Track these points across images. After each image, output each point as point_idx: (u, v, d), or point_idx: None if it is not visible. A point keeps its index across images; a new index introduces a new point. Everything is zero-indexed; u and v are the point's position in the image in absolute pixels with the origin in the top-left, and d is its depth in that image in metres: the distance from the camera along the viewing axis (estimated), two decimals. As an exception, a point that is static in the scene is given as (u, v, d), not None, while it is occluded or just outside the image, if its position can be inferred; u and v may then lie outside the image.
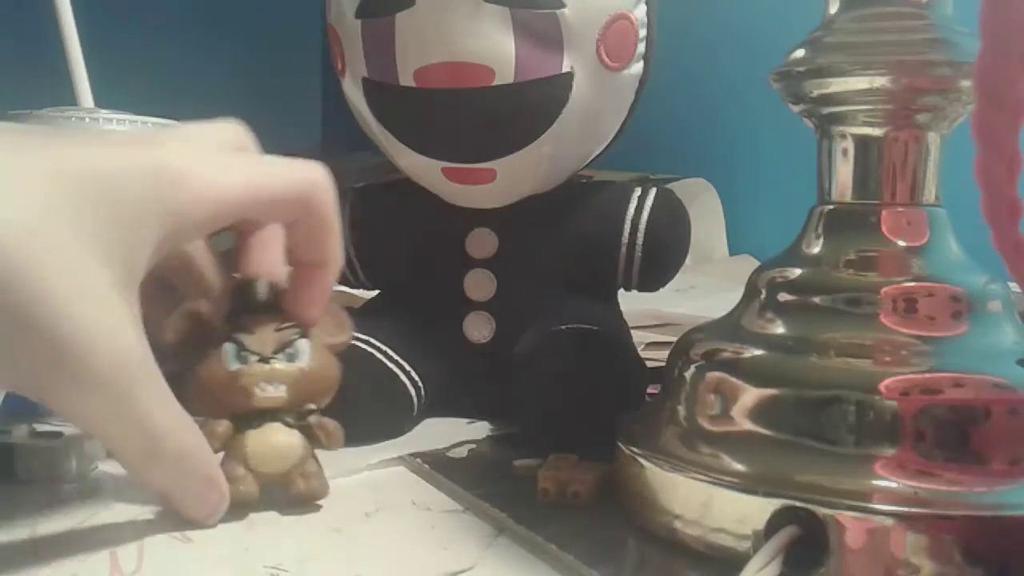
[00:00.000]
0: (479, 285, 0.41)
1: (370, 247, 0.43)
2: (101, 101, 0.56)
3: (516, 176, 0.39)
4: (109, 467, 0.33)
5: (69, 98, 0.55)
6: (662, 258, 0.41)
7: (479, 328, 0.41)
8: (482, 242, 0.41)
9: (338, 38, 0.40)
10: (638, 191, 0.41)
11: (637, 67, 0.40)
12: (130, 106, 0.55)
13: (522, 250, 0.41)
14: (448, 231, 0.41)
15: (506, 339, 0.39)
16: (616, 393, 0.35)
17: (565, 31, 0.37)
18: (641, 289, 0.42)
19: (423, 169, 0.40)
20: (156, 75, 0.84)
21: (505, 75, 0.36)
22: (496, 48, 0.36)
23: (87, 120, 0.52)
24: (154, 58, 0.91)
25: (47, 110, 0.54)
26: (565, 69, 0.37)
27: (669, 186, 0.70)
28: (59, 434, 0.32)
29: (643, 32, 0.39)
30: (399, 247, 0.43)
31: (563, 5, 0.36)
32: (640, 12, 0.39)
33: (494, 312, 0.40)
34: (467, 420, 0.40)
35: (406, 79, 0.37)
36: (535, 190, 0.41)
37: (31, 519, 0.28)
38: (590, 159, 0.42)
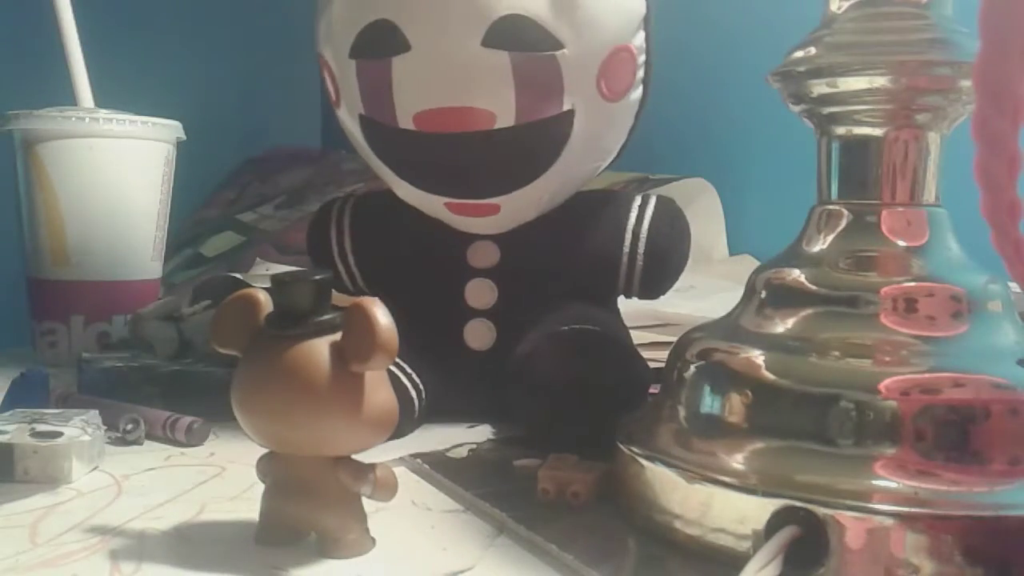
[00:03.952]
0: (480, 294, 0.40)
1: (369, 254, 0.43)
2: (101, 101, 0.56)
3: (520, 208, 0.39)
4: (109, 467, 0.34)
5: (69, 98, 0.55)
6: (663, 267, 0.41)
7: (480, 336, 0.40)
8: (484, 253, 0.41)
9: (331, 71, 0.40)
10: (638, 200, 0.41)
11: (637, 93, 0.40)
12: (130, 106, 0.55)
13: (524, 260, 0.41)
14: (449, 241, 0.41)
15: (507, 347, 0.39)
16: (620, 393, 0.35)
17: (565, 71, 0.36)
18: (642, 297, 0.42)
19: (424, 200, 0.40)
20: (156, 75, 0.84)
21: (506, 118, 0.36)
22: (496, 92, 0.36)
23: (87, 120, 0.52)
24: (154, 58, 0.90)
25: (47, 110, 0.54)
26: (566, 108, 0.37)
27: (669, 186, 0.70)
28: (59, 434, 0.32)
29: (642, 58, 0.39)
30: (399, 255, 0.43)
31: (562, 46, 0.36)
32: (639, 40, 0.39)
33: (495, 320, 0.40)
34: (467, 425, 0.40)
35: (405, 122, 0.37)
36: (539, 214, 0.40)
37: (31, 519, 0.28)
38: (592, 177, 0.42)
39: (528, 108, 0.36)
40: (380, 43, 0.36)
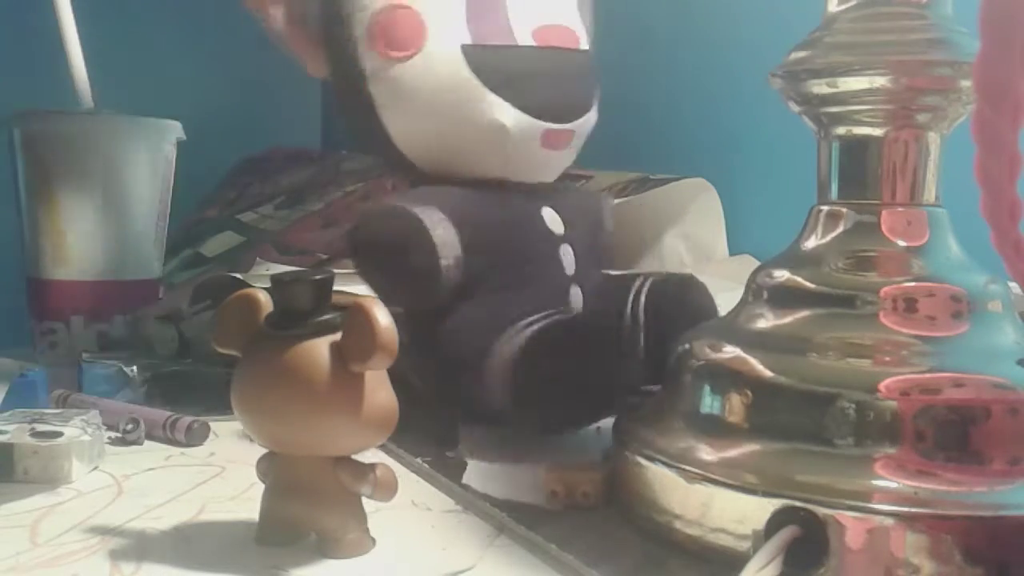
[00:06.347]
0: (570, 259, 0.40)
1: (474, 247, 0.39)
2: (101, 101, 0.56)
3: (578, 141, 0.41)
4: (109, 467, 0.34)
5: (69, 98, 0.55)
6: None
7: (576, 301, 0.40)
8: (554, 219, 0.41)
9: (413, 13, 0.39)
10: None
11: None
12: (130, 106, 0.55)
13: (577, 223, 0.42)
14: (527, 211, 0.40)
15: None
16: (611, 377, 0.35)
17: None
18: None
19: (524, 131, 0.39)
20: (156, 75, 0.84)
21: (585, 41, 0.41)
22: (582, 15, 0.41)
23: (87, 120, 0.52)
24: (154, 58, 0.90)
25: (47, 110, 0.54)
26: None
27: (669, 186, 0.70)
28: (59, 434, 0.32)
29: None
30: (499, 239, 0.39)
31: None
32: None
33: (580, 286, 0.41)
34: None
35: (524, 38, 0.39)
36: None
37: (31, 519, 0.28)
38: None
39: (587, 35, 0.41)
40: None
